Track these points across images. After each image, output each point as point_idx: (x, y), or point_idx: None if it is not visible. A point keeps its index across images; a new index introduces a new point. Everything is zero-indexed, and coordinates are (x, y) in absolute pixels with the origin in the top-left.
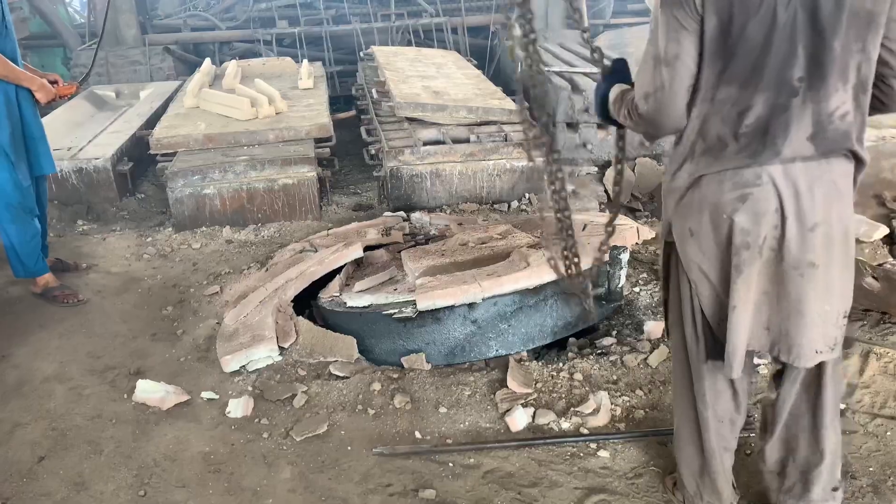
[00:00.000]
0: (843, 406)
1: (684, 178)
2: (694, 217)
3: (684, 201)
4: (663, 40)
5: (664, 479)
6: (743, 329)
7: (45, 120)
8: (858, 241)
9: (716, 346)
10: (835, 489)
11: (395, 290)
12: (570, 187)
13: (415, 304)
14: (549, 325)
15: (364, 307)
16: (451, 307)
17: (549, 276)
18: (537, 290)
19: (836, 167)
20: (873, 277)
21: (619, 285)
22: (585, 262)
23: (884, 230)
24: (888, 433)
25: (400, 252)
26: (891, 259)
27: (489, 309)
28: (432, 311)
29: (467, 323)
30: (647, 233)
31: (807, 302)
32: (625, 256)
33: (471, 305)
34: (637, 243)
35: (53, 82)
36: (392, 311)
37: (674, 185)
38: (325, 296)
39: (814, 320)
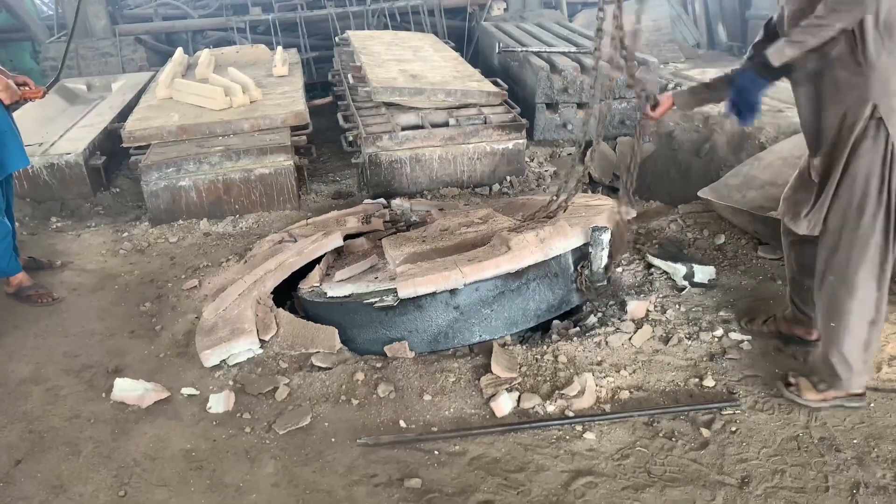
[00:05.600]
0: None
1: None
2: None
3: None
4: None
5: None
6: None
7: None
8: None
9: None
10: None
11: (377, 278)
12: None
13: (396, 292)
14: (531, 308)
15: (345, 297)
16: (433, 294)
17: (530, 259)
18: (519, 273)
19: None
20: None
21: (602, 266)
22: None
23: None
24: (871, 405)
25: (381, 240)
26: None
27: (471, 294)
28: (414, 298)
29: (450, 309)
30: (629, 212)
31: None
32: (606, 237)
33: (453, 292)
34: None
35: (23, 84)
36: (373, 300)
37: None
38: (306, 286)
39: None
